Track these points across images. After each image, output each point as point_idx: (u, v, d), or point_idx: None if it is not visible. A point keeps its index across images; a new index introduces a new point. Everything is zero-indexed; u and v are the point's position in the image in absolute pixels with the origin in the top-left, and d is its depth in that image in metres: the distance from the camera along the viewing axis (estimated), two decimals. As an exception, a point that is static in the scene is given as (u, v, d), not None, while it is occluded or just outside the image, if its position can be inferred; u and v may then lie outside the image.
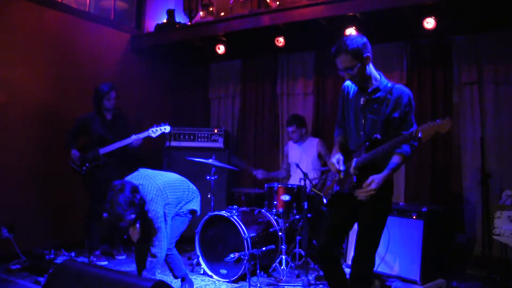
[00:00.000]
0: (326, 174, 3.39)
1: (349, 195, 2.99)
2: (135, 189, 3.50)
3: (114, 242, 5.52)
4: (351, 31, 5.18)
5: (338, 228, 3.12)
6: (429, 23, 4.81)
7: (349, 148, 3.18)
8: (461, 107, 5.27)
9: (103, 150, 5.13)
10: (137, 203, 3.47)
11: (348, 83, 3.21)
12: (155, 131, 4.96)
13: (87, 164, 5.17)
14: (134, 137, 5.01)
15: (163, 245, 3.64)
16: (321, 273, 4.68)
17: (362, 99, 3.05)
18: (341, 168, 3.03)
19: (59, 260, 4.68)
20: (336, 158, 3.08)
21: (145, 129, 5.00)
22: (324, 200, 3.23)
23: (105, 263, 5.23)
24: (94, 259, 5.33)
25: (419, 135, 2.75)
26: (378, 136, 2.98)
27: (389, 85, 3.04)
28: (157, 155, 6.26)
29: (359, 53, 2.94)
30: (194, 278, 4.59)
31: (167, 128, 4.93)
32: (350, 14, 4.95)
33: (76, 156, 5.17)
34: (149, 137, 5.01)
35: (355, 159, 3.00)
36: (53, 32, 5.64)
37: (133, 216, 3.49)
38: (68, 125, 5.33)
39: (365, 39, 3.02)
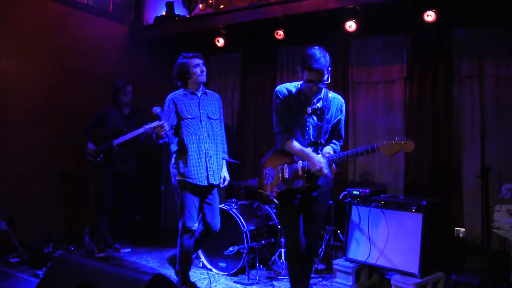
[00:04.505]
0: (261, 171, 3.57)
1: (297, 191, 3.37)
2: None
3: (118, 236, 5.53)
4: (351, 23, 5.16)
5: (299, 221, 3.43)
6: (430, 15, 4.79)
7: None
8: (461, 101, 5.24)
9: (117, 141, 5.18)
10: None
11: (282, 88, 3.42)
12: None
13: (101, 155, 5.21)
14: (147, 126, 4.95)
15: None
16: (320, 267, 4.70)
17: (309, 108, 3.35)
18: (326, 171, 3.21)
19: (57, 253, 4.68)
20: (324, 163, 3.23)
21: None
22: (275, 200, 3.49)
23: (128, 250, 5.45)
24: (118, 246, 5.44)
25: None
26: (323, 141, 3.38)
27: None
28: (156, 148, 6.24)
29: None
30: (193, 272, 4.60)
31: None
32: (350, 6, 4.92)
33: (92, 149, 5.24)
34: None
35: (302, 162, 3.32)
36: (51, 24, 5.61)
37: None
38: (67, 116, 5.31)
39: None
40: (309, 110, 3.35)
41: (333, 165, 3.26)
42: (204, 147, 3.98)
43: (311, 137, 3.37)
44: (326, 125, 3.37)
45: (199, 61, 4.00)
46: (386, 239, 4.15)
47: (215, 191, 4.14)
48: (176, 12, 6.54)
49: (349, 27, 5.19)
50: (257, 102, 6.76)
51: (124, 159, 5.28)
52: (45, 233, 5.32)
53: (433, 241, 4.05)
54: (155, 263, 5.04)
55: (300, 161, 3.34)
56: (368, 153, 3.11)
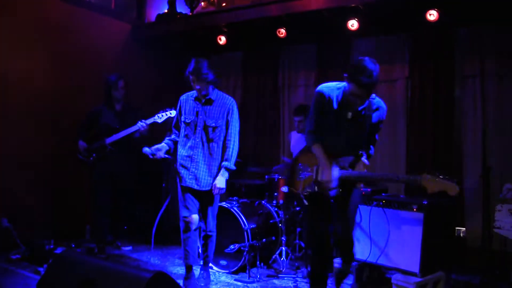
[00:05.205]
0: (294, 165, 3.47)
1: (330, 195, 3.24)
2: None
3: (118, 233, 5.51)
4: (353, 22, 5.15)
5: (328, 224, 3.34)
6: (432, 15, 4.77)
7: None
8: (463, 100, 5.25)
9: (109, 140, 5.06)
10: (216, 78, 4.05)
11: (324, 88, 3.27)
12: (161, 117, 4.85)
13: (94, 155, 5.11)
14: (140, 123, 4.93)
15: (238, 139, 4.13)
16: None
17: (350, 114, 3.17)
18: (331, 187, 3.18)
19: (59, 250, 4.68)
20: (334, 176, 3.18)
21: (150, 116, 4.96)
22: (304, 200, 3.39)
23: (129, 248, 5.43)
24: (120, 243, 5.42)
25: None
26: (364, 153, 3.24)
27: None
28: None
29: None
30: (194, 269, 4.59)
31: (173, 113, 4.77)
32: (353, 5, 4.92)
33: (83, 147, 5.15)
34: (155, 122, 4.91)
35: (339, 170, 3.19)
36: (53, 22, 5.60)
37: (210, 86, 4.02)
38: (67, 114, 5.31)
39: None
40: (350, 115, 3.18)
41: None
42: (192, 151, 4.02)
43: (349, 143, 3.23)
44: (365, 133, 3.24)
45: (193, 78, 3.98)
46: (387, 238, 4.15)
47: (208, 195, 4.06)
48: (178, 10, 6.54)
49: (351, 26, 5.18)
50: (259, 101, 6.76)
51: (118, 159, 5.12)
52: (46, 230, 5.32)
53: (433, 240, 4.05)
54: (156, 260, 5.04)
55: (338, 168, 3.20)
56: (409, 181, 3.02)
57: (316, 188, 3.27)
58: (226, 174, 4.01)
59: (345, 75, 3.05)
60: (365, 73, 2.92)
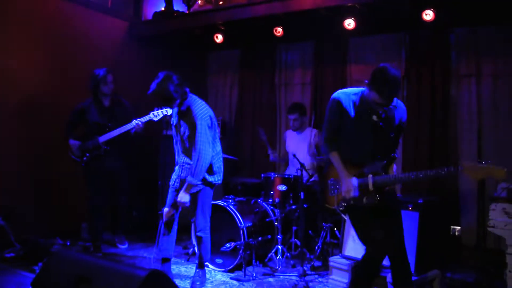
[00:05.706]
0: (325, 182, 3.39)
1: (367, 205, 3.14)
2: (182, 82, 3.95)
3: (116, 231, 5.49)
4: (350, 21, 5.16)
5: (380, 227, 3.18)
6: (428, 15, 4.78)
7: (351, 160, 3.20)
8: (459, 99, 5.27)
9: (102, 138, 4.95)
10: (182, 91, 3.92)
11: (342, 95, 3.18)
12: (156, 115, 4.75)
13: (87, 154, 5.01)
14: (135, 122, 4.86)
15: (206, 148, 3.87)
16: (316, 264, 4.71)
17: (374, 116, 3.09)
18: (350, 196, 3.13)
19: (54, 248, 4.67)
20: (354, 185, 3.12)
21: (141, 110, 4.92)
22: (343, 215, 3.38)
23: (125, 246, 5.43)
24: (117, 239, 5.41)
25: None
26: (396, 155, 3.13)
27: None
28: (153, 144, 6.24)
29: None
30: (190, 268, 4.60)
31: (169, 111, 4.66)
32: (350, 4, 4.92)
33: (75, 147, 5.02)
34: (151, 121, 4.82)
35: (373, 177, 3.10)
36: (49, 19, 5.57)
37: (177, 100, 3.91)
38: (64, 113, 5.28)
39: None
40: (375, 118, 3.10)
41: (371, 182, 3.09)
42: (177, 153, 4.16)
43: (376, 147, 3.13)
44: (391, 135, 3.15)
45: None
46: (382, 236, 4.15)
47: (193, 195, 4.03)
48: (175, 8, 6.52)
49: (348, 25, 5.19)
50: (256, 99, 6.76)
51: (112, 157, 5.05)
52: (41, 228, 5.30)
53: (429, 239, 4.06)
54: (152, 258, 5.04)
55: (371, 175, 3.10)
56: (450, 174, 2.84)
57: (350, 200, 3.17)
58: (188, 190, 3.90)
59: (365, 81, 3.01)
60: (388, 83, 2.89)
